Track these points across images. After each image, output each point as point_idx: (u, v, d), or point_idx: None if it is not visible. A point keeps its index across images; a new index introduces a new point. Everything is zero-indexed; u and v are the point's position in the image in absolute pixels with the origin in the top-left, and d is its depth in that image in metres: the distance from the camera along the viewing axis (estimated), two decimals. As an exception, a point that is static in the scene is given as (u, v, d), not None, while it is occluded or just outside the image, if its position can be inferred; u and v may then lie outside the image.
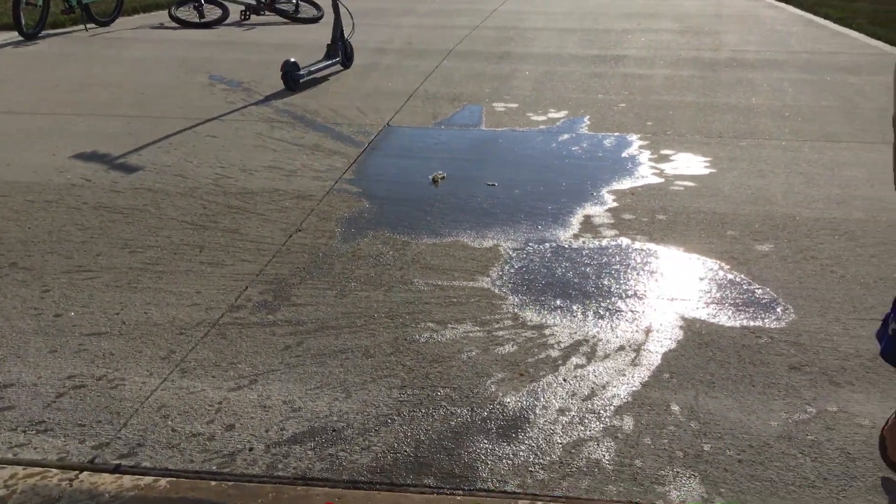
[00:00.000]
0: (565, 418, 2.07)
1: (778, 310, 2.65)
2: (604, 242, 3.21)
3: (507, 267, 2.98)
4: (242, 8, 9.13)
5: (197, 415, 2.07)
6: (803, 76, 6.10)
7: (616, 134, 4.71)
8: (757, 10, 9.70)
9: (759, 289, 2.80)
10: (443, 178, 3.94)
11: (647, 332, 2.52)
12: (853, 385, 2.22)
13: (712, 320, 2.59)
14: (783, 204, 3.57)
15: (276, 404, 2.12)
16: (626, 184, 3.89)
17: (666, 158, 4.24)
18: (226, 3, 9.04)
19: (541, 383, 2.23)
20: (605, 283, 2.86)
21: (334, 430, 2.01)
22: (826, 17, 9.09)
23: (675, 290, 2.81)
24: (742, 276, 2.91)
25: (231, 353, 2.37)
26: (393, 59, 6.81)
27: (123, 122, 4.90)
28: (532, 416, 2.08)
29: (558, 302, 2.72)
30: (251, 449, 1.94)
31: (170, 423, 2.03)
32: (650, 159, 4.25)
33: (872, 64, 6.51)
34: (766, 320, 2.58)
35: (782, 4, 10.19)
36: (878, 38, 7.68)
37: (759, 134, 4.62)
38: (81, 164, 4.11)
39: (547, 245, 3.19)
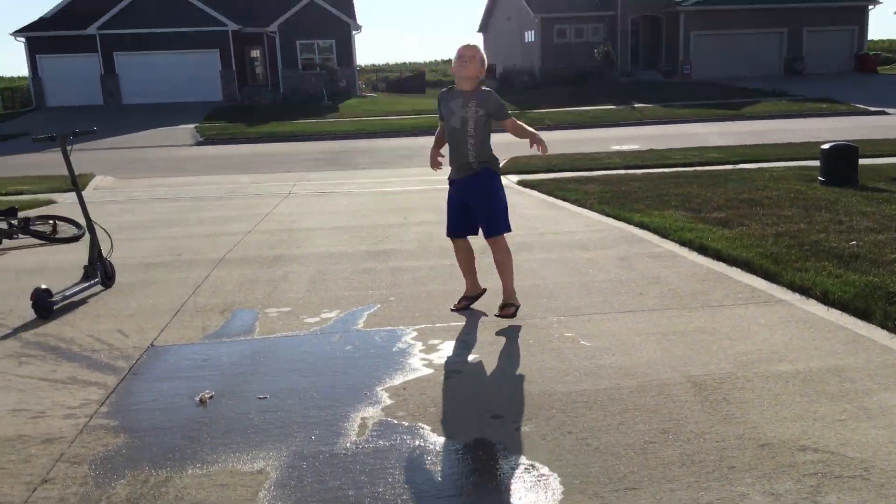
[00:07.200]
0: None
1: (541, 492, 2.78)
2: (378, 444, 3.23)
3: (278, 490, 2.88)
4: (-10, 233, 8.53)
5: None
6: (547, 255, 6.81)
7: (388, 328, 4.88)
8: (507, 197, 10.85)
9: (525, 472, 2.93)
10: (210, 397, 3.79)
11: (423, 537, 2.52)
12: (612, 558, 2.34)
13: (483, 513, 2.65)
14: (539, 381, 3.84)
15: None
16: (398, 379, 3.99)
17: (434, 348, 4.45)
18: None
19: None
20: (380, 490, 2.84)
21: None
22: (564, 200, 10.36)
23: (445, 485, 2.86)
24: (509, 460, 3.04)
25: None
26: (160, 274, 6.65)
27: None
28: None
29: (333, 519, 2.65)
30: None
31: None
32: (420, 350, 4.43)
33: (603, 239, 7.45)
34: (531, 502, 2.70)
35: (528, 190, 11.49)
36: (606, 215, 8.85)
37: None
38: None
39: (321, 457, 3.13)
